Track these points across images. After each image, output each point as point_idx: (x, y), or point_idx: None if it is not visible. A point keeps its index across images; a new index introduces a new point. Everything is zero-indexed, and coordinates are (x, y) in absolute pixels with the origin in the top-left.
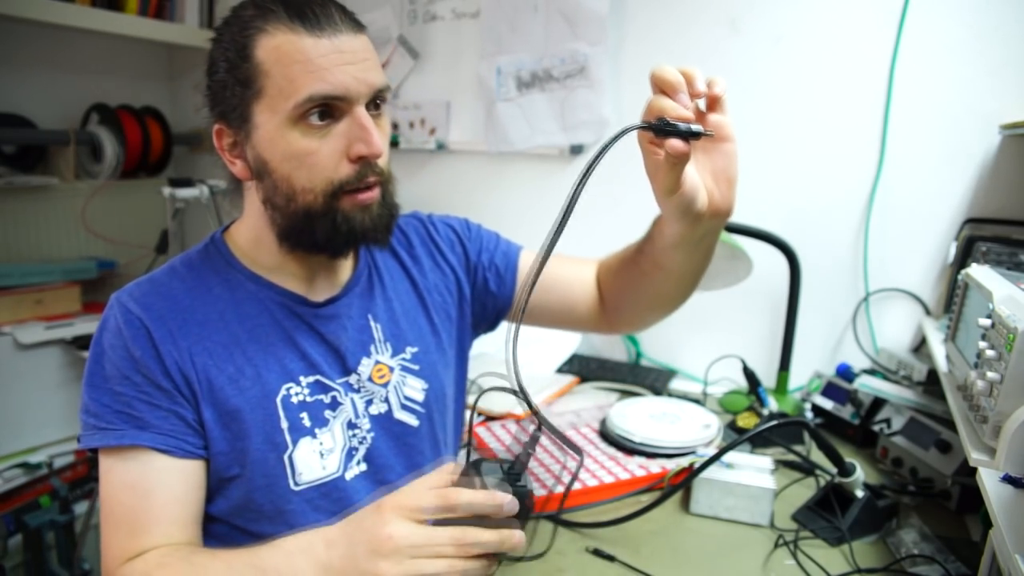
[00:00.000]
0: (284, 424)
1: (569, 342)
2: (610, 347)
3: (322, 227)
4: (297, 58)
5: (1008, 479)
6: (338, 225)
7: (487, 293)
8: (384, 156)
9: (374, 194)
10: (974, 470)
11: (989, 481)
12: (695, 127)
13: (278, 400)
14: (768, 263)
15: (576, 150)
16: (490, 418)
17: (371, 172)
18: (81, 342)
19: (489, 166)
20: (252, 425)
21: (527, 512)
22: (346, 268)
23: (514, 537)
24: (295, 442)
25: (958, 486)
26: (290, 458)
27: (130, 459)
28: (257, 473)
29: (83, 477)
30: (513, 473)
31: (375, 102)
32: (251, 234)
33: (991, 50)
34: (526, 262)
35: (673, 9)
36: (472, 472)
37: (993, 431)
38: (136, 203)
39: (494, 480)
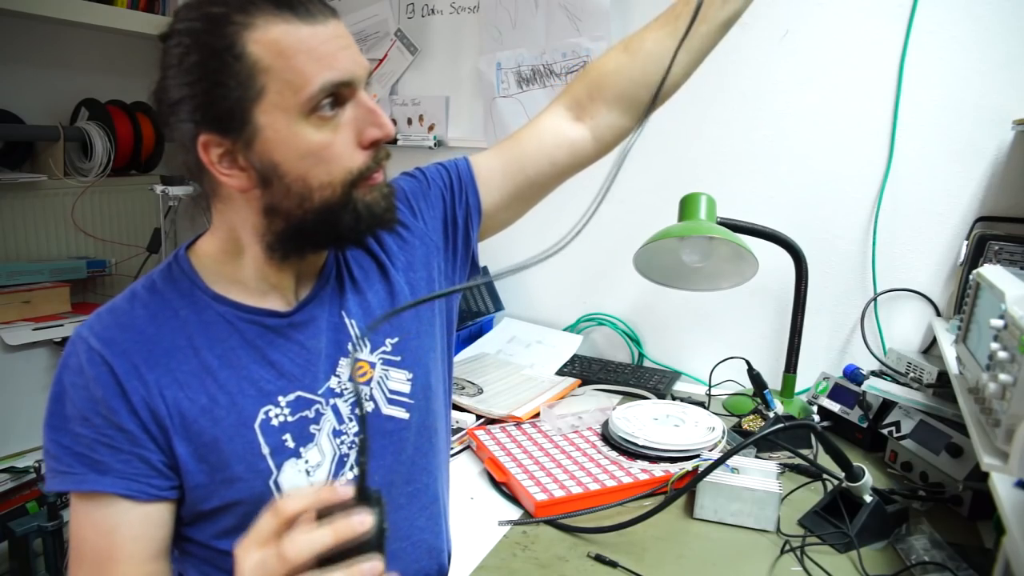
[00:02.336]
0: (265, 450)
1: (570, 343)
2: (612, 348)
3: (345, 219)
4: (301, 48)
5: (1022, 484)
6: (360, 214)
7: (465, 225)
8: None
9: (381, 174)
10: (986, 475)
11: (1002, 486)
12: None
13: (256, 426)
14: (774, 262)
15: None
16: (490, 421)
17: (383, 154)
18: None
19: None
20: (231, 455)
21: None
22: (314, 267)
23: (354, 521)
24: (279, 466)
25: (970, 491)
26: (276, 483)
27: (94, 501)
28: (244, 500)
29: None
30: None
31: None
32: (222, 247)
33: (1002, 44)
34: (480, 164)
35: None
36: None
37: (1006, 435)
38: (127, 201)
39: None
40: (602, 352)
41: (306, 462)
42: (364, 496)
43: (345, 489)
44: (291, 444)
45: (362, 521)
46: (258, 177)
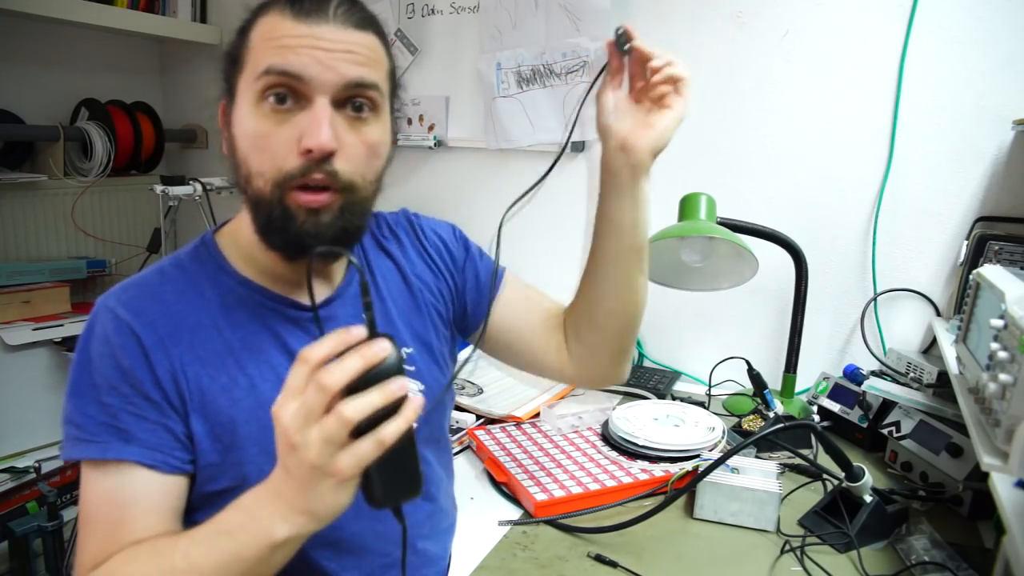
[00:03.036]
0: None
1: None
2: None
3: (263, 216)
4: (272, 35)
5: (1022, 484)
6: (274, 219)
7: (464, 306)
8: (348, 162)
9: (323, 198)
10: (986, 475)
11: (1002, 486)
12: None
13: (273, 409)
14: (774, 262)
15: (578, 147)
16: (490, 421)
17: (318, 170)
18: (70, 343)
19: (489, 163)
20: (247, 436)
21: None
22: (339, 271)
23: (375, 347)
24: None
25: (970, 491)
26: None
27: (113, 470)
28: (255, 483)
29: (72, 482)
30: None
31: (352, 100)
32: (246, 229)
33: (1002, 44)
34: (505, 297)
35: (677, 3)
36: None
37: (1006, 435)
38: (127, 201)
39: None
40: None
41: None
42: (375, 334)
43: (358, 329)
44: None
45: (383, 347)
46: (228, 146)
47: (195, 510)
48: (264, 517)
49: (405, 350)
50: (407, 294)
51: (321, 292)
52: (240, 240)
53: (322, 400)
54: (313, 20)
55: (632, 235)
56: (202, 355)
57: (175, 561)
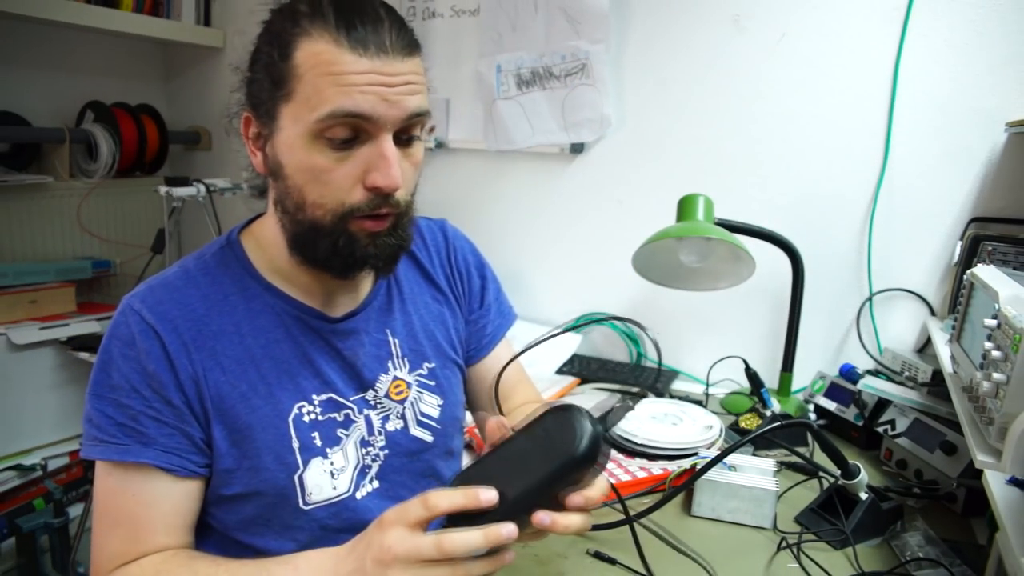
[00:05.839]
0: (295, 444)
1: (570, 342)
2: (611, 348)
3: (324, 245)
4: (331, 70)
5: (1014, 481)
6: (340, 247)
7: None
8: (406, 189)
9: (385, 224)
10: (980, 472)
11: (995, 483)
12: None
13: (290, 420)
14: (771, 263)
15: (577, 148)
16: None
17: (385, 204)
18: (76, 343)
19: (489, 165)
20: (263, 445)
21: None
22: (365, 282)
23: (500, 530)
24: (306, 462)
25: (964, 488)
26: (300, 478)
27: (132, 472)
28: (266, 492)
29: (78, 479)
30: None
31: (408, 130)
32: (271, 234)
33: (996, 47)
34: (498, 351)
35: (675, 6)
36: (471, 472)
37: (999, 433)
38: (132, 202)
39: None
40: (601, 351)
41: (331, 463)
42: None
43: (489, 494)
44: (319, 443)
45: (510, 531)
46: (269, 167)
47: (209, 510)
48: None
49: (427, 365)
50: (431, 305)
51: (346, 305)
52: (266, 246)
53: (435, 556)
54: (373, 52)
55: None
56: (223, 362)
57: None
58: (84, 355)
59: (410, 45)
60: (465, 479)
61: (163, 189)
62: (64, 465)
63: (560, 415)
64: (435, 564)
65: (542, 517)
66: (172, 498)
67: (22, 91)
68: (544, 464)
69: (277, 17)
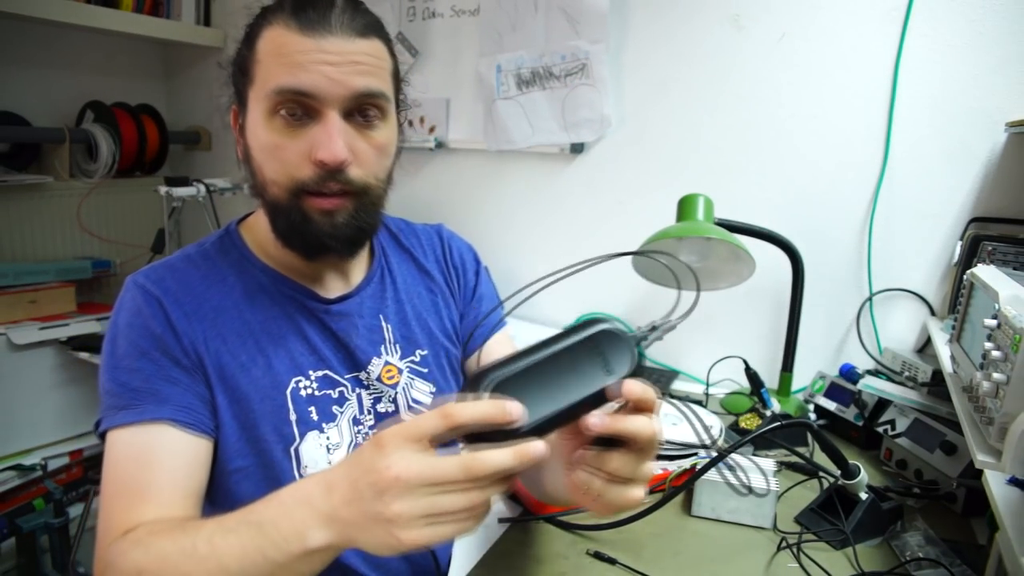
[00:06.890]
0: (293, 416)
1: None
2: None
3: (282, 222)
4: (281, 51)
5: (1014, 481)
6: (296, 224)
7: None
8: (361, 167)
9: (338, 203)
10: (980, 472)
11: (995, 483)
12: None
13: (288, 392)
14: (771, 263)
15: (577, 148)
16: None
17: (333, 179)
18: (76, 343)
19: (489, 164)
20: (261, 415)
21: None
22: (359, 268)
23: (531, 449)
24: (302, 435)
25: (964, 488)
26: (296, 451)
27: (142, 432)
28: (263, 463)
29: (78, 479)
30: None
31: (363, 111)
32: (263, 221)
33: (996, 47)
34: (494, 343)
35: (675, 6)
36: (481, 382)
37: (999, 433)
38: (132, 202)
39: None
40: None
41: (327, 438)
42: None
43: (516, 408)
44: (315, 417)
45: (538, 449)
46: (243, 152)
47: (211, 496)
48: (301, 519)
49: (420, 352)
50: (425, 296)
51: (339, 288)
52: (259, 234)
53: (462, 479)
54: (319, 33)
55: None
56: (223, 332)
57: (197, 544)
58: (84, 355)
59: (365, 28)
60: (494, 383)
61: (163, 189)
62: (64, 465)
63: (613, 335)
64: (450, 489)
65: (594, 421)
66: (179, 455)
67: (22, 91)
68: (587, 384)
69: (256, 15)
